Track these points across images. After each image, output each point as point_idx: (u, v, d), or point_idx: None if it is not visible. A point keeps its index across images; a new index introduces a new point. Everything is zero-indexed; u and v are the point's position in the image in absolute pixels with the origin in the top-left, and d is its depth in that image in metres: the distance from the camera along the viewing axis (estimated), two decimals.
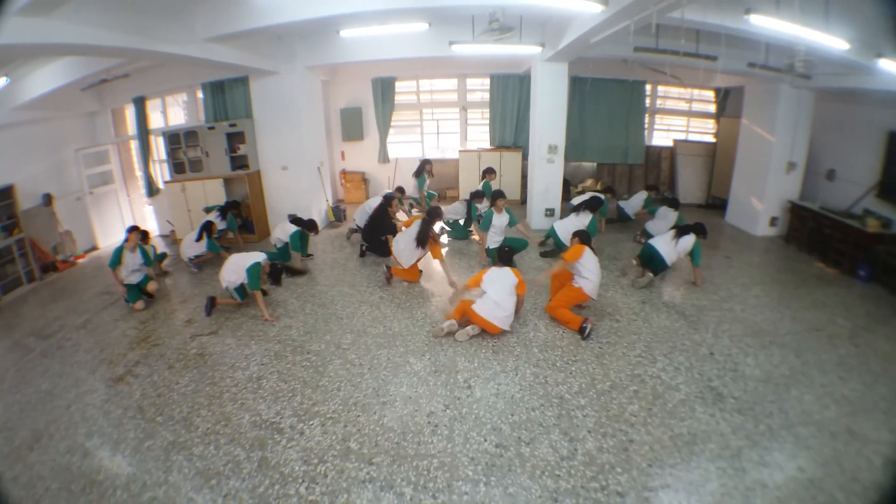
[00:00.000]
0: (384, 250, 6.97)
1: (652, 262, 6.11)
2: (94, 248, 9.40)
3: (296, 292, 6.30)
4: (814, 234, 7.36)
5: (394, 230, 7.16)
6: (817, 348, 4.73)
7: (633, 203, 8.94)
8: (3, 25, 3.73)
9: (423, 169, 9.20)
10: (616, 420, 3.71)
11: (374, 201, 7.85)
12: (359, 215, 8.05)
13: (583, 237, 5.35)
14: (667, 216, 7.64)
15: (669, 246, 6.04)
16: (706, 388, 4.08)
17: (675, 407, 3.86)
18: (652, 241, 6.25)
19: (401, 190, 8.64)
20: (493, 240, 6.86)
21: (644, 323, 5.24)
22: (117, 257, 6.02)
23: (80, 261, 8.69)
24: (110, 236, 9.62)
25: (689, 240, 6.03)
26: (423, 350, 4.77)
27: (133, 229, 6.18)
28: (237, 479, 3.25)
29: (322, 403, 4.02)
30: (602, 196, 7.77)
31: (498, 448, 3.44)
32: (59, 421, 4.04)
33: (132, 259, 6.13)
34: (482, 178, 8.68)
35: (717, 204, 10.23)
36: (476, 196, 7.78)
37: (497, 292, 4.80)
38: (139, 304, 6.11)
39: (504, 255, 5.09)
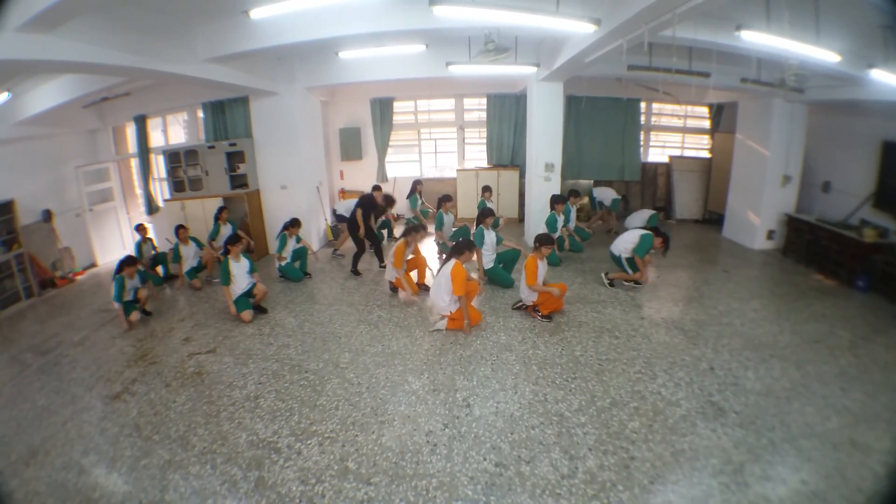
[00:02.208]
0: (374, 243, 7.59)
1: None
2: (93, 264, 9.41)
3: (294, 311, 6.29)
4: (811, 246, 7.40)
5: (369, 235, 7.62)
6: (818, 360, 4.72)
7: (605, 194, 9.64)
8: (3, 40, 3.80)
9: (415, 189, 9.43)
10: (617, 437, 3.68)
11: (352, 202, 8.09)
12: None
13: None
14: (641, 214, 8.56)
15: (621, 239, 6.61)
16: (707, 403, 4.06)
17: (677, 423, 3.82)
18: None
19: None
20: (488, 258, 6.85)
21: (643, 339, 5.22)
22: (120, 289, 5.95)
23: (79, 277, 8.71)
24: (109, 253, 9.65)
25: (637, 233, 6.48)
26: (421, 369, 4.74)
27: (129, 264, 6.09)
28: (234, 498, 3.21)
29: (320, 423, 3.98)
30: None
31: (497, 467, 3.41)
32: (55, 437, 4.00)
33: (132, 284, 6.17)
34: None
35: (713, 219, 10.28)
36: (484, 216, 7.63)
37: (437, 283, 5.41)
38: (134, 316, 6.08)
39: (454, 248, 5.49)
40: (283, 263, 7.38)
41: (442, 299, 5.37)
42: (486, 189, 8.81)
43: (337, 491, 3.23)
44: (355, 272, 7.61)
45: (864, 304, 6.07)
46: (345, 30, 5.57)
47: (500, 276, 6.77)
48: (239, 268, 6.07)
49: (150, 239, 7.94)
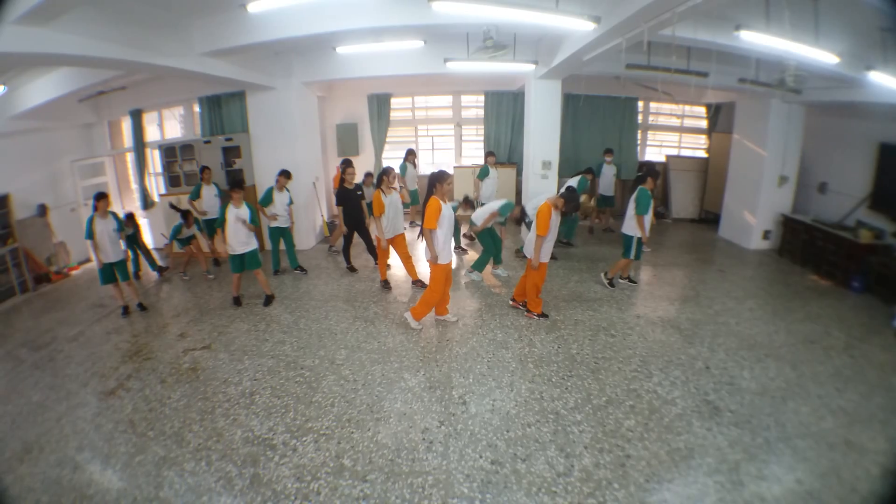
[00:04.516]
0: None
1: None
2: (88, 259, 9.32)
3: (290, 307, 6.27)
4: (807, 246, 7.42)
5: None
6: (813, 360, 4.74)
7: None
8: (1, 32, 3.76)
9: (406, 158, 9.34)
10: (612, 435, 3.69)
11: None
12: None
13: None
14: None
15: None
16: (702, 402, 4.07)
17: (672, 421, 3.84)
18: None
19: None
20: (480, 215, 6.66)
21: (639, 337, 5.23)
22: (89, 227, 5.87)
23: (74, 272, 8.64)
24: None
25: (632, 198, 6.34)
26: (417, 366, 4.74)
27: (100, 196, 5.95)
28: (229, 495, 3.20)
29: (315, 419, 3.97)
30: None
31: (493, 465, 3.41)
32: (49, 433, 3.98)
33: (105, 226, 5.93)
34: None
35: (709, 218, 10.30)
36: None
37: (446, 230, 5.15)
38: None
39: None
40: (273, 224, 7.22)
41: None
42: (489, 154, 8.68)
43: (332, 488, 3.22)
44: (350, 269, 7.58)
45: (859, 304, 6.10)
46: (343, 25, 5.54)
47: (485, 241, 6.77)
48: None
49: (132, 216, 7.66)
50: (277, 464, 3.48)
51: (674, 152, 11.23)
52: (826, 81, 6.24)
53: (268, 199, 7.11)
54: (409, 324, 5.49)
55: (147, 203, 9.87)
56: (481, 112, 10.82)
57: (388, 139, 10.92)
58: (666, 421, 3.84)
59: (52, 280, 8.10)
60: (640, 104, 10.66)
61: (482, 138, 10.94)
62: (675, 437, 3.65)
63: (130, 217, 7.47)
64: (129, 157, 10.42)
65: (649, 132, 11.36)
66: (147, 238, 8.88)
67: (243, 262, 6.17)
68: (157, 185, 10.12)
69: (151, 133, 10.12)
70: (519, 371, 4.60)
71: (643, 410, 3.98)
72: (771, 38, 4.35)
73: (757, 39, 4.42)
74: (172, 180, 8.98)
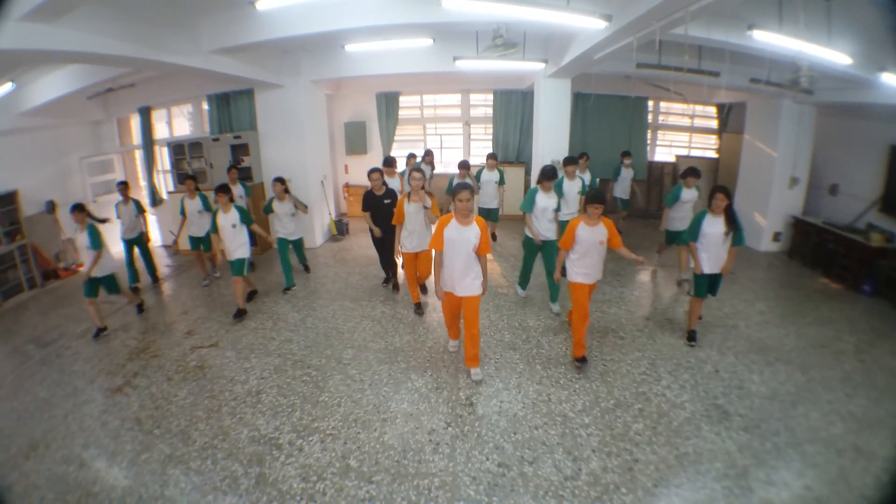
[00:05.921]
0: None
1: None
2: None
3: (297, 306, 6.27)
4: (817, 249, 7.34)
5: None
6: (823, 364, 4.68)
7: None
8: (7, 29, 3.77)
9: (423, 159, 9.22)
10: (621, 439, 3.66)
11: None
12: None
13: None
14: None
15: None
16: (712, 406, 4.03)
17: (681, 425, 3.80)
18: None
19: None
20: (545, 227, 5.61)
21: (648, 340, 5.19)
22: (97, 235, 5.72)
23: (82, 269, 8.68)
24: (113, 245, 9.59)
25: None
26: (424, 366, 4.72)
27: (76, 208, 5.63)
28: (234, 495, 3.20)
29: (322, 419, 3.96)
30: None
31: (500, 467, 3.39)
32: (55, 430, 4.00)
33: (80, 240, 5.66)
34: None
35: None
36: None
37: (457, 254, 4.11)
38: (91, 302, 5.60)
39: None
40: (280, 236, 6.69)
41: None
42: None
43: (338, 489, 3.22)
44: (387, 282, 6.88)
45: (870, 308, 6.02)
46: (351, 23, 5.53)
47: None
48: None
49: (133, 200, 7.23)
50: (283, 463, 3.47)
51: (684, 152, 11.14)
52: (838, 82, 6.16)
53: (268, 209, 6.67)
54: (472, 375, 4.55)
55: (155, 200, 9.91)
56: (490, 111, 10.78)
57: (396, 137, 10.90)
58: (675, 425, 3.80)
59: (60, 276, 8.16)
60: (651, 104, 10.58)
61: (490, 137, 10.90)
62: (683, 441, 3.62)
63: (124, 184, 7.17)
64: (138, 154, 10.47)
65: (659, 132, 11.28)
66: (155, 237, 8.94)
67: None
68: (165, 183, 10.16)
69: (160, 130, 10.16)
70: (527, 373, 4.57)
71: (652, 414, 3.94)
72: (784, 39, 4.31)
73: (770, 39, 4.38)
74: (181, 178, 9.00)
